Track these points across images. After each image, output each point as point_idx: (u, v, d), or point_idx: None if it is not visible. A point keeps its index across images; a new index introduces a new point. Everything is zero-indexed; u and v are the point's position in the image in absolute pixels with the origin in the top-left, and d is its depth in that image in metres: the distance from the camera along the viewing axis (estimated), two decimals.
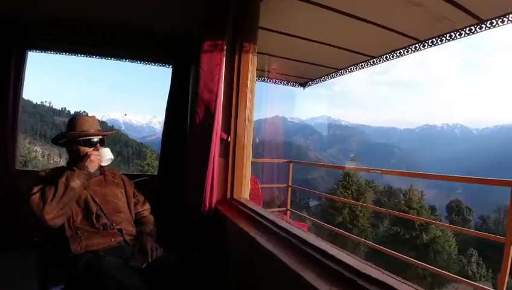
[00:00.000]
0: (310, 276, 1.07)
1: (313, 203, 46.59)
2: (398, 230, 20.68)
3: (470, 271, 21.51)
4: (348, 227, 22.09)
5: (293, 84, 5.02)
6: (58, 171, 1.66)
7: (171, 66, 3.55)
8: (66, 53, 3.48)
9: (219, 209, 2.01)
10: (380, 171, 4.18)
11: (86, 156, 1.68)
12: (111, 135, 2.10)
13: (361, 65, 3.87)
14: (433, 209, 38.26)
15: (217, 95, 1.94)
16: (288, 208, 4.52)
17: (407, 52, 3.21)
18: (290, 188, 4.54)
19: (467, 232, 21.04)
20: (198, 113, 1.96)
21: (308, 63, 4.00)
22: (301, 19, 2.70)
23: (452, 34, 2.71)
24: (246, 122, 2.13)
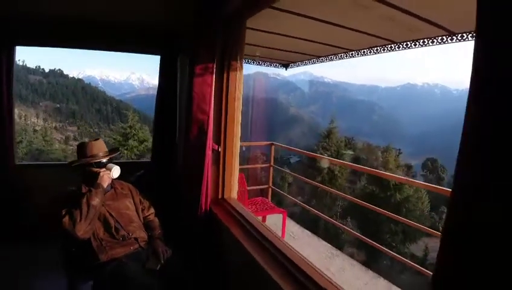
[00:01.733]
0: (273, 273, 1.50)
1: (293, 159, 47.82)
2: (374, 189, 21.79)
3: (440, 227, 22.95)
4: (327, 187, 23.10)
5: (276, 65, 5.19)
6: (74, 193, 1.97)
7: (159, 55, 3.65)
8: (54, 47, 3.56)
9: (213, 210, 2.37)
10: (359, 168, 4.51)
11: (99, 175, 1.98)
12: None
13: (341, 56, 4.09)
14: (409, 167, 40.08)
15: (208, 115, 2.22)
16: (270, 185, 4.92)
17: (384, 50, 3.45)
18: (271, 168, 4.91)
19: (433, 190, 22.29)
20: (193, 131, 2.24)
21: (291, 51, 4.16)
22: (285, 23, 2.86)
23: (425, 40, 2.96)
24: (234, 134, 2.42)
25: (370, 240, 3.78)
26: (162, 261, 1.93)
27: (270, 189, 4.90)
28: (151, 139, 25.78)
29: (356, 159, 32.48)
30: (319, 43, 3.55)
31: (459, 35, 2.68)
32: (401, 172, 24.84)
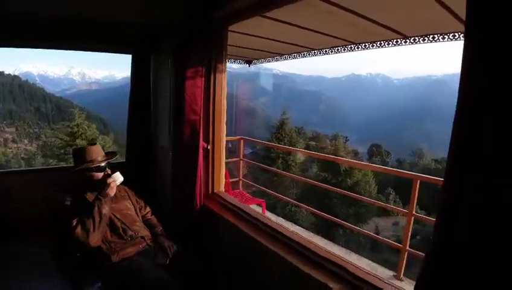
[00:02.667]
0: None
1: (247, 151, 48.33)
2: (326, 175, 22.93)
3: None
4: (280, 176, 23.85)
5: (240, 61, 5.35)
6: (81, 200, 2.02)
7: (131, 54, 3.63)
8: (24, 47, 3.42)
9: (206, 204, 2.53)
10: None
11: (106, 184, 2.05)
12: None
13: (304, 54, 4.38)
14: (355, 153, 42.48)
15: (200, 115, 2.37)
16: (241, 178, 5.15)
17: (344, 50, 3.80)
18: (241, 162, 5.14)
19: (382, 171, 24.02)
20: (185, 131, 2.37)
21: (256, 49, 4.36)
22: (253, 24, 3.05)
23: (382, 42, 3.33)
24: (221, 133, 2.60)
25: (324, 213, 4.22)
26: (170, 256, 2.06)
27: (240, 181, 5.13)
28: (100, 138, 24.90)
29: (307, 148, 33.63)
30: (285, 42, 3.78)
31: (412, 38, 3.08)
32: (350, 158, 26.31)
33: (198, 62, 2.33)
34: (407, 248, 2.86)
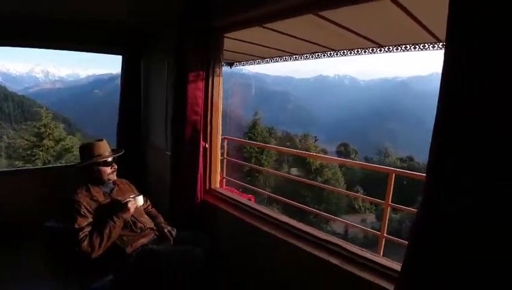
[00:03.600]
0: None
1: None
2: (298, 174, 23.53)
3: (356, 205, 25.84)
4: (255, 174, 24.20)
5: (222, 64, 5.49)
6: (89, 197, 2.08)
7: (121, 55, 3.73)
8: (18, 47, 3.41)
9: (205, 199, 2.72)
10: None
11: (126, 208, 2.08)
12: None
13: (285, 58, 4.63)
14: (325, 152, 43.54)
15: (201, 116, 2.56)
16: (224, 176, 5.33)
17: (324, 56, 4.09)
18: (225, 160, 5.32)
19: (363, 166, 24.72)
20: (187, 130, 2.54)
21: (239, 52, 4.56)
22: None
23: (359, 50, 3.65)
24: (217, 133, 2.81)
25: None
26: (172, 237, 2.22)
27: (224, 179, 5.31)
28: (68, 138, 23.96)
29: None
30: (268, 47, 4.02)
31: (386, 47, 3.42)
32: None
33: (199, 66, 2.52)
34: (385, 234, 3.19)
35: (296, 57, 4.47)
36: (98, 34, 3.46)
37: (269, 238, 2.12)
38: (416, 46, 3.20)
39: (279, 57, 4.64)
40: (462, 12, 1.02)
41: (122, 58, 3.74)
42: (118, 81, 3.87)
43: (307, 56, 4.31)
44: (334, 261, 1.72)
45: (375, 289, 1.52)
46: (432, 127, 1.13)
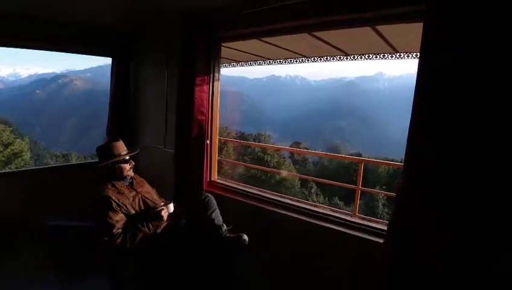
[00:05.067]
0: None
1: None
2: (256, 172, 24.14)
3: (311, 200, 26.78)
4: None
5: None
6: (116, 191, 2.32)
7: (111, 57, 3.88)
8: (11, 47, 3.42)
9: (210, 189, 3.08)
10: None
11: (160, 217, 2.32)
12: None
13: (260, 63, 5.07)
14: (277, 151, 44.47)
15: (206, 116, 2.92)
16: None
17: (296, 62, 4.60)
18: None
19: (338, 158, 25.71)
20: (194, 129, 2.89)
21: None
22: None
23: (327, 57, 4.20)
24: (217, 130, 3.20)
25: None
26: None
27: None
28: (16, 142, 22.15)
29: (235, 148, 34.43)
30: (246, 52, 4.42)
31: (351, 56, 4.00)
32: (277, 155, 27.90)
33: (204, 72, 2.89)
34: (356, 213, 3.77)
35: (270, 62, 4.93)
36: (87, 36, 3.55)
37: (272, 215, 2.58)
38: (377, 55, 3.81)
39: (254, 61, 5.07)
40: (433, 31, 1.48)
41: (112, 60, 3.88)
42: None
43: (280, 61, 4.79)
44: (335, 227, 2.21)
45: (369, 243, 2.03)
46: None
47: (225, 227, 2.51)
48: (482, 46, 1.35)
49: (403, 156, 1.65)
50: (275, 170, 22.97)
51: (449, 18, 1.41)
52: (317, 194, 28.00)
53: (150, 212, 2.36)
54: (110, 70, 3.95)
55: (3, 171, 4.15)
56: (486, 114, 1.36)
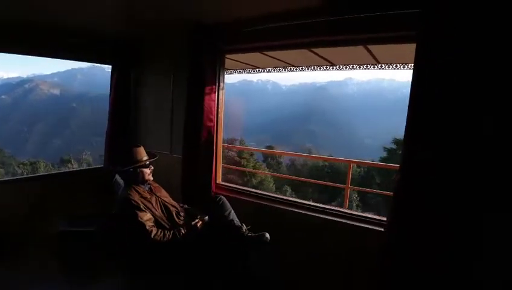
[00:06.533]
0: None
1: None
2: (233, 177, 24.33)
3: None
4: None
5: None
6: (138, 195, 2.43)
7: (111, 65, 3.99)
8: (11, 53, 3.42)
9: (217, 191, 3.32)
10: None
11: (197, 227, 2.49)
12: None
13: (249, 71, 5.31)
14: (251, 154, 44.81)
15: (214, 122, 3.17)
16: None
17: (285, 70, 4.89)
18: None
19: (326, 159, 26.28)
20: (203, 134, 3.12)
21: None
22: None
23: (315, 66, 4.53)
24: (221, 137, 3.44)
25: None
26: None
27: None
28: None
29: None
30: (237, 61, 4.66)
31: (337, 66, 4.35)
32: (252, 159, 28.24)
33: (212, 81, 3.14)
34: (347, 209, 4.13)
35: (258, 70, 5.18)
36: (86, 43, 3.62)
37: (277, 212, 2.88)
38: (361, 66, 4.17)
39: (242, 69, 5.27)
40: (425, 50, 1.80)
41: (112, 69, 3.99)
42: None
43: (269, 70, 5.07)
44: (336, 218, 2.55)
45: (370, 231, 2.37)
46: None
47: (245, 227, 2.63)
48: (468, 58, 1.68)
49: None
50: (268, 173, 23.22)
51: (439, 39, 1.75)
52: (291, 196, 28.49)
53: (187, 225, 2.51)
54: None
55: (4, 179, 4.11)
56: (476, 118, 1.68)
